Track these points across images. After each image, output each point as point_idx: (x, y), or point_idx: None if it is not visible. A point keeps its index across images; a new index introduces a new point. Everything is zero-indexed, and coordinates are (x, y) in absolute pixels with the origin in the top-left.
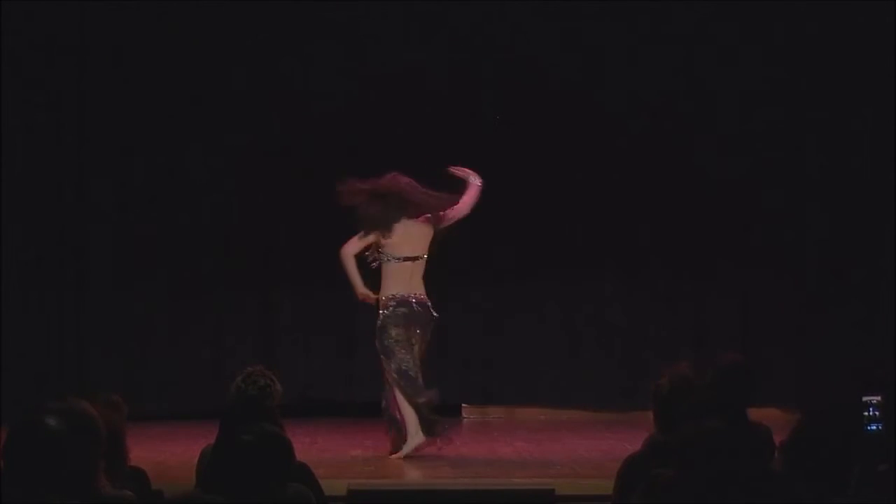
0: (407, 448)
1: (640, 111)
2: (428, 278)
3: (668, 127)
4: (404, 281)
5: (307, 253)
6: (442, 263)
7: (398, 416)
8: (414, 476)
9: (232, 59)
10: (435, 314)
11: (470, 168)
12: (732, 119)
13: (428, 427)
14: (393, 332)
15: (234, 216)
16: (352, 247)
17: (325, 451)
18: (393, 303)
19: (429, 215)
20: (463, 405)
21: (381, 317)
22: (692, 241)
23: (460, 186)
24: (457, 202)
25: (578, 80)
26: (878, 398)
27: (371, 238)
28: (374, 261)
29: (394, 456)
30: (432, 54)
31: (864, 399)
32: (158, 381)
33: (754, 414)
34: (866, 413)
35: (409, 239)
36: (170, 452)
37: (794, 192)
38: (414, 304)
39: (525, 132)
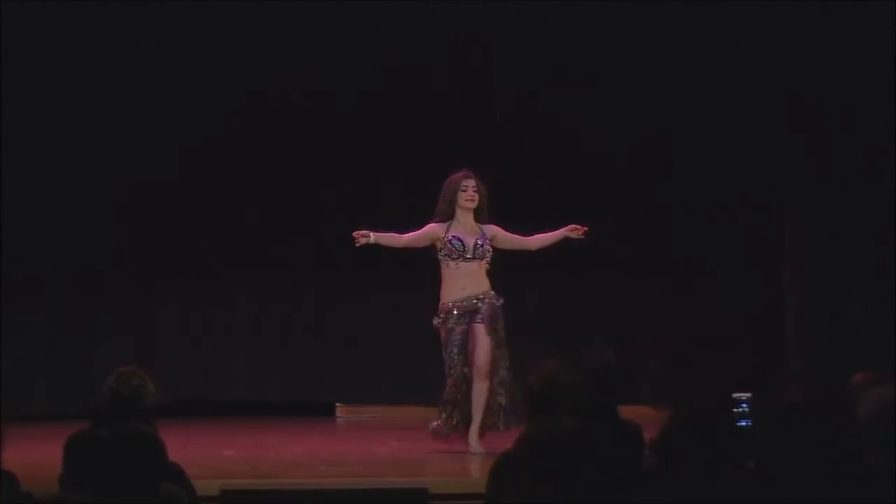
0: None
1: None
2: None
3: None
4: None
5: (185, 250)
6: (331, 263)
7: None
8: (288, 476)
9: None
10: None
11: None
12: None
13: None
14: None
15: (111, 212)
16: None
17: (198, 450)
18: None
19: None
20: (337, 405)
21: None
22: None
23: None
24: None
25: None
26: (749, 395)
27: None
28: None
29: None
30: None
31: (735, 396)
32: (36, 382)
33: (628, 413)
34: (737, 409)
35: None
36: (44, 453)
37: (667, 192)
38: None
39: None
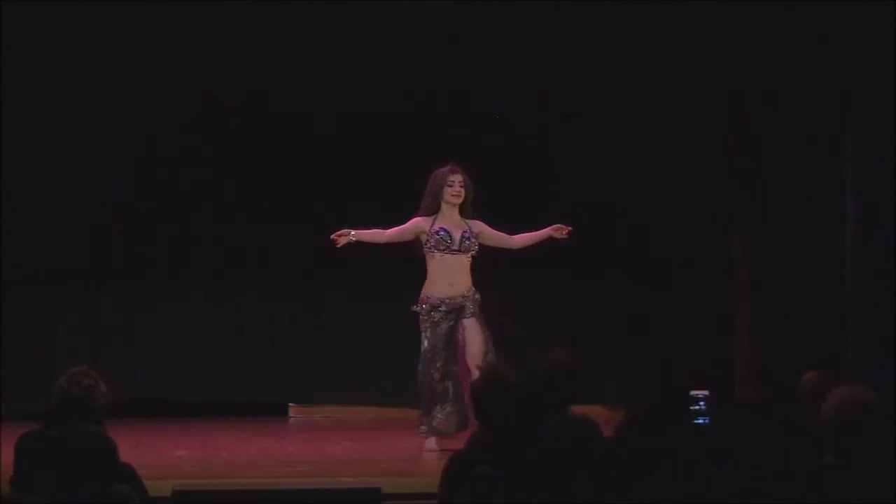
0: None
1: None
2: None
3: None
4: None
5: (137, 250)
6: (281, 262)
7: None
8: (241, 476)
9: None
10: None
11: None
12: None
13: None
14: None
15: (64, 212)
16: None
17: (150, 451)
18: None
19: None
20: (290, 405)
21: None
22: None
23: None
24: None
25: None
26: (706, 392)
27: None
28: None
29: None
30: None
31: (692, 394)
32: None
33: (581, 412)
34: (694, 407)
35: None
36: None
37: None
38: None
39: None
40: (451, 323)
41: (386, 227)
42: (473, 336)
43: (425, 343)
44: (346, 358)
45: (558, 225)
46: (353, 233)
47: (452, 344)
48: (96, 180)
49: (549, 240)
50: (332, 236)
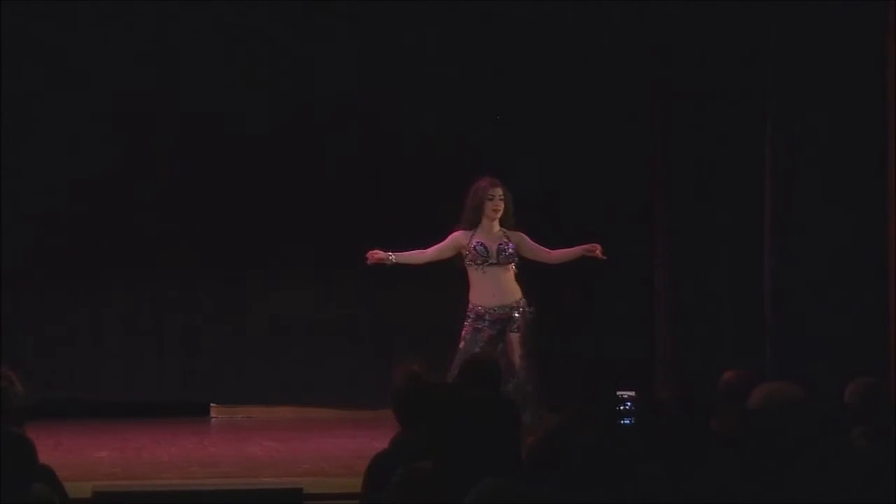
0: None
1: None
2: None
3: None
4: None
5: (55, 249)
6: (203, 261)
7: None
8: (162, 477)
9: None
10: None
11: None
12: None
13: None
14: None
15: None
16: None
17: (69, 452)
18: None
19: None
20: (212, 405)
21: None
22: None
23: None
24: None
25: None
26: (632, 393)
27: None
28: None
29: None
30: None
31: (619, 394)
32: None
33: None
34: (621, 408)
35: None
36: None
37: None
38: None
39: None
40: (495, 333)
41: (426, 247)
42: (516, 352)
43: (461, 345)
44: (267, 358)
45: (591, 245)
46: (392, 256)
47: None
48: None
49: (582, 258)
50: (368, 256)
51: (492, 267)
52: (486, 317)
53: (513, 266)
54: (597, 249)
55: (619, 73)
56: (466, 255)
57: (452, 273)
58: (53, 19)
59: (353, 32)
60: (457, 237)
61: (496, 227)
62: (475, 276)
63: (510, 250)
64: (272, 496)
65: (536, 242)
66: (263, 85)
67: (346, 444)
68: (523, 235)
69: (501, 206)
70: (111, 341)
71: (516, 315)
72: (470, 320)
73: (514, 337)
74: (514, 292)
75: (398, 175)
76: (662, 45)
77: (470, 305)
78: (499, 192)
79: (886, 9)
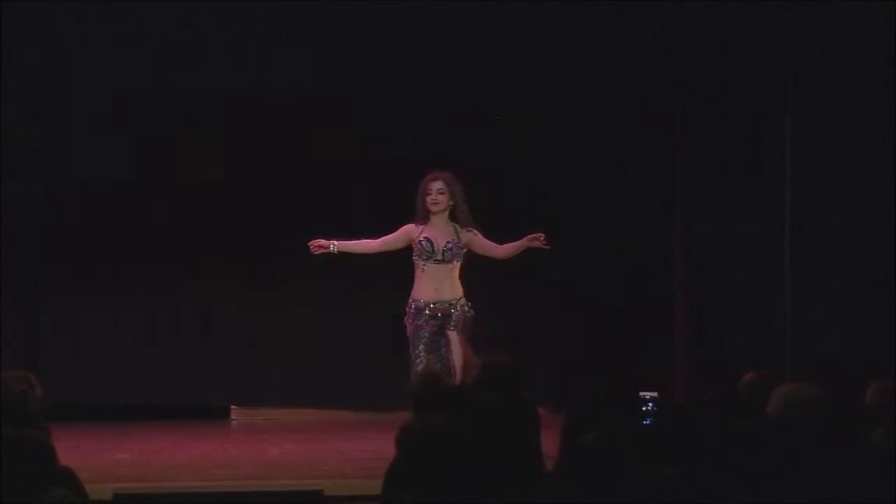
0: None
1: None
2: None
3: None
4: None
5: (73, 253)
6: (220, 264)
7: None
8: (181, 480)
9: None
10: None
11: None
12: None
13: None
14: None
15: None
16: None
17: (90, 454)
18: None
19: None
20: (232, 407)
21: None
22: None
23: None
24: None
25: None
26: (655, 394)
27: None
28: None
29: None
30: None
31: (642, 395)
32: None
33: None
34: (644, 408)
35: None
36: None
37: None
38: None
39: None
40: (435, 329)
41: (374, 237)
42: (454, 350)
43: (411, 349)
44: (287, 360)
45: (533, 235)
46: (335, 243)
47: (433, 349)
48: (28, 181)
49: (529, 249)
50: (310, 245)
51: (436, 263)
52: (426, 311)
53: (456, 264)
54: (540, 238)
55: (638, 77)
56: (413, 248)
57: (471, 275)
58: (53, 19)
59: (354, 32)
60: (408, 229)
61: (443, 221)
62: (418, 270)
63: (456, 248)
64: (292, 498)
65: (491, 240)
66: (264, 85)
67: (366, 447)
68: (476, 232)
69: (440, 199)
70: (131, 344)
71: (454, 312)
72: (410, 317)
73: (452, 335)
74: (455, 290)
75: (401, 175)
76: (682, 47)
77: (409, 300)
78: (436, 185)
79: None
